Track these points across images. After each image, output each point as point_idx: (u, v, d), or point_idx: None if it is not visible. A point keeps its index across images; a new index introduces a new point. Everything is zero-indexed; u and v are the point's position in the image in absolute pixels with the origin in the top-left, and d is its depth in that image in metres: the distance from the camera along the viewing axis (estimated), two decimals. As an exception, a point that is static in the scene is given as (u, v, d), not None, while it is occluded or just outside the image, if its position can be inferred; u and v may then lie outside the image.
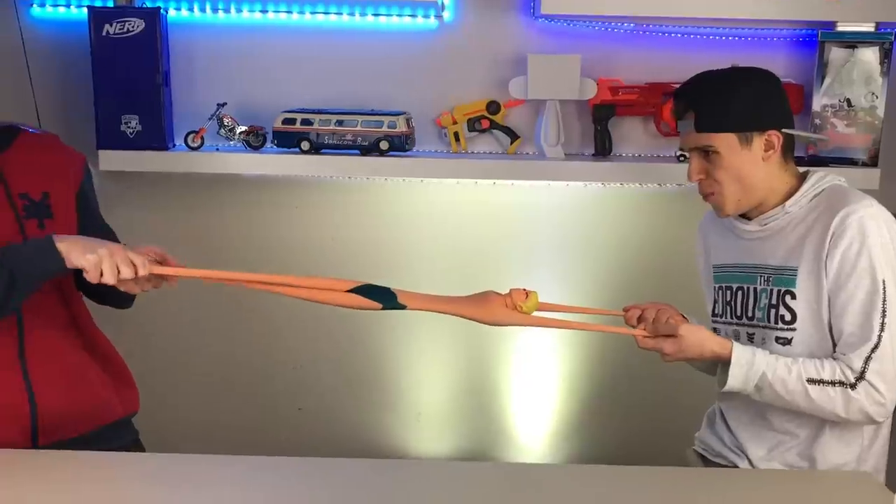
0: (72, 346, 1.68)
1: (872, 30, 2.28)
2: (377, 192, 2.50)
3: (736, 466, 1.74)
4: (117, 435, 1.73)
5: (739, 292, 1.72)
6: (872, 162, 2.33)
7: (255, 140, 2.35)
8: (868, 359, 1.54)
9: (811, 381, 1.56)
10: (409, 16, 2.39)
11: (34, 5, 2.37)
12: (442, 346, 2.60)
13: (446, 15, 2.40)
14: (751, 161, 1.64)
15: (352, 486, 1.45)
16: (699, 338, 1.61)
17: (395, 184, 2.49)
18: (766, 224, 1.68)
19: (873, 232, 1.56)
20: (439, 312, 1.60)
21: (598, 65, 2.39)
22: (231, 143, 2.36)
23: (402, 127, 2.29)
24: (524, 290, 1.56)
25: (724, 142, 1.63)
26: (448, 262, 2.52)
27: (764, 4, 2.23)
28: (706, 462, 1.83)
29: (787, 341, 1.63)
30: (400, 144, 2.29)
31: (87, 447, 1.61)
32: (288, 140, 2.30)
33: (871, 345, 1.54)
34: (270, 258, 2.48)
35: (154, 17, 2.25)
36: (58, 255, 1.48)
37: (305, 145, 2.30)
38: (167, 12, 2.32)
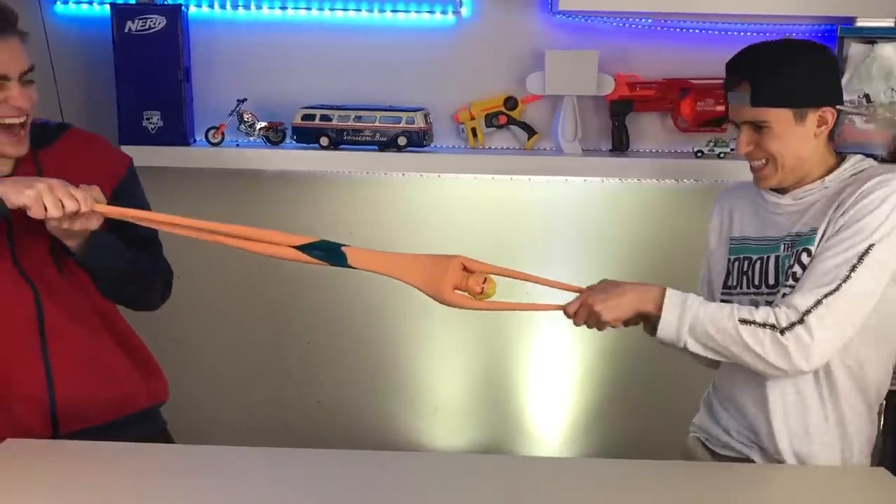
0: (95, 336, 1.69)
1: (892, 25, 2.27)
2: (395, 187, 2.52)
3: (745, 457, 1.73)
4: (142, 424, 1.74)
5: (758, 262, 1.69)
6: (892, 158, 2.32)
7: (274, 136, 2.37)
8: (819, 302, 1.52)
9: (743, 320, 1.53)
10: (427, 12, 2.41)
11: (58, 2, 2.41)
12: (459, 341, 2.62)
13: (464, 11, 2.41)
14: (803, 137, 1.62)
15: (369, 477, 1.47)
16: (615, 284, 1.61)
17: (412, 179, 2.51)
18: (801, 198, 1.66)
19: (894, 201, 1.55)
20: (381, 274, 1.58)
21: (615, 60, 2.40)
22: (251, 138, 2.39)
23: (420, 123, 2.31)
24: (483, 282, 1.53)
25: (779, 117, 1.60)
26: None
27: (782, 0, 2.22)
28: (710, 452, 1.81)
29: None
30: (418, 140, 2.31)
31: (110, 436, 1.62)
32: (307, 136, 2.33)
33: (829, 288, 1.52)
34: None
35: (175, 14, 2.27)
36: None
37: (324, 141, 2.32)
38: (188, 9, 2.35)
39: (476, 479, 1.49)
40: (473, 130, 2.44)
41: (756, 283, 1.69)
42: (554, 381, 2.64)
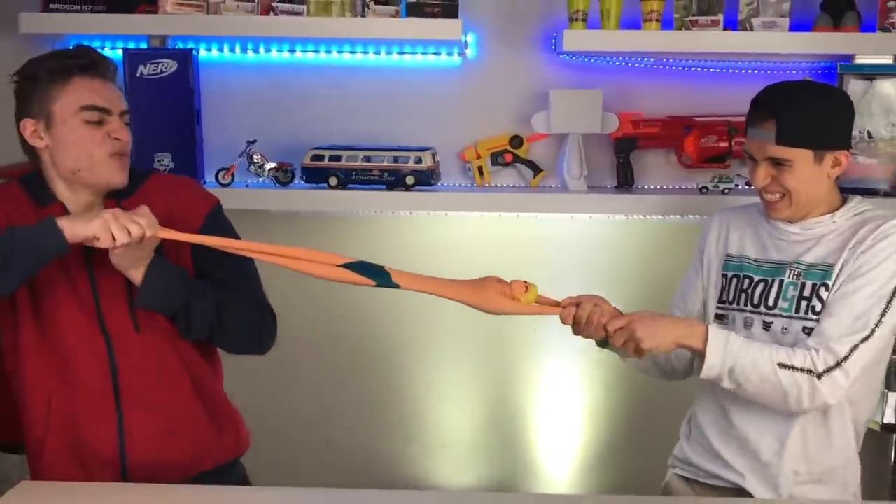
0: (174, 394, 1.69)
1: (891, 62, 2.31)
2: (402, 225, 2.54)
3: (735, 485, 1.75)
4: (218, 480, 1.72)
5: (762, 283, 1.76)
6: (894, 191, 2.35)
7: (283, 176, 2.40)
8: (856, 347, 1.61)
9: (782, 365, 1.60)
10: (434, 54, 2.45)
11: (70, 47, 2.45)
12: (466, 377, 2.62)
13: (469, 52, 2.46)
14: (818, 176, 1.70)
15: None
16: (661, 315, 1.68)
17: (420, 217, 2.53)
18: (809, 229, 1.74)
19: None
20: (432, 294, 1.65)
21: (619, 99, 2.44)
22: (260, 179, 2.42)
23: (427, 162, 2.34)
24: (525, 282, 1.61)
25: (801, 156, 1.68)
26: None
27: (782, 39, 2.26)
28: (695, 485, 1.84)
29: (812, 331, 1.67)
30: (426, 179, 2.34)
31: None
32: (316, 176, 2.36)
33: (864, 334, 1.61)
34: (299, 290, 2.51)
35: (186, 59, 2.32)
36: (57, 231, 1.51)
37: (333, 181, 2.35)
38: (198, 52, 2.39)
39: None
40: (480, 169, 2.48)
41: (755, 302, 1.76)
42: (562, 418, 2.64)
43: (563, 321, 1.70)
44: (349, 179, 2.36)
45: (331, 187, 2.37)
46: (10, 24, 2.27)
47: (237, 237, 1.76)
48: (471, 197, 2.41)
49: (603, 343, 1.76)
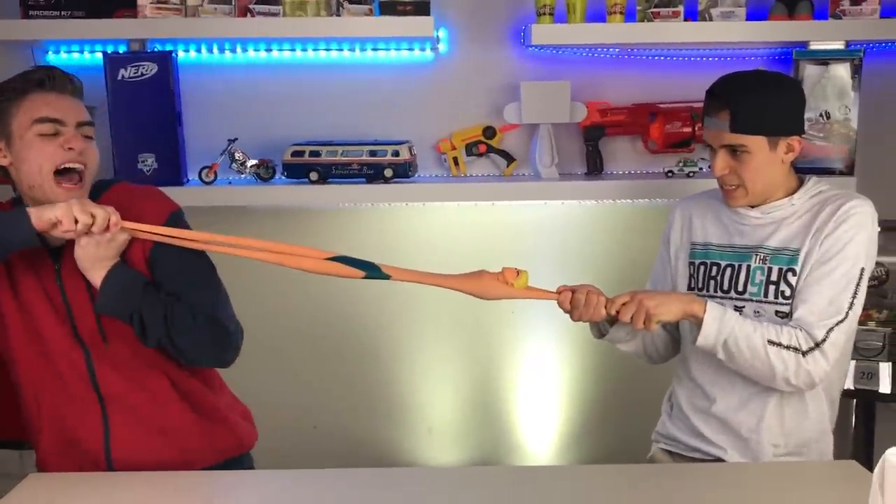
0: (157, 399, 1.72)
1: (843, 47, 2.42)
2: (382, 217, 2.62)
3: (716, 459, 1.85)
4: None
5: (728, 269, 1.84)
6: (849, 171, 2.47)
7: (265, 172, 2.47)
8: (831, 329, 1.71)
9: (771, 342, 1.70)
10: (407, 49, 2.53)
11: (49, 52, 2.50)
12: (449, 363, 2.71)
13: (441, 47, 2.53)
14: (773, 162, 1.78)
15: (365, 493, 1.56)
16: (659, 290, 1.79)
17: (398, 208, 2.61)
18: (769, 213, 1.82)
19: (868, 226, 1.75)
20: (428, 284, 1.72)
21: (586, 89, 2.53)
22: (242, 176, 2.48)
23: (405, 155, 2.42)
24: (515, 269, 1.70)
25: (756, 143, 1.76)
26: None
27: (740, 28, 2.37)
28: (678, 458, 1.93)
29: (785, 315, 1.76)
30: (403, 171, 2.42)
31: None
32: (297, 171, 2.43)
33: (839, 318, 1.71)
34: (282, 284, 2.59)
35: (166, 60, 2.37)
36: (24, 216, 1.54)
37: (314, 176, 2.42)
38: (177, 55, 2.45)
39: (471, 490, 1.59)
40: (455, 159, 2.56)
41: (725, 288, 1.85)
42: (543, 397, 2.74)
43: (561, 306, 1.76)
44: (329, 174, 2.43)
45: (311, 182, 2.44)
46: (-9, 31, 2.31)
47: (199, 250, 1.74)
48: (447, 187, 2.50)
49: (601, 332, 1.85)
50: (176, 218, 1.73)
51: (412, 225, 2.64)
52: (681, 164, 2.50)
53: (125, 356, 1.69)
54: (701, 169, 2.51)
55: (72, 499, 1.53)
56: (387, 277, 1.69)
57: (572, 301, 1.75)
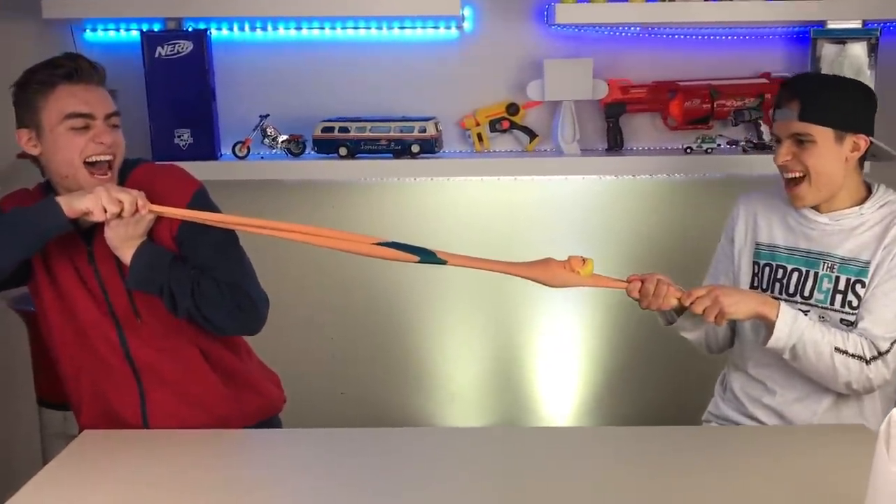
0: (187, 367, 1.80)
1: (860, 26, 2.47)
2: (408, 191, 2.71)
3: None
4: None
5: (795, 273, 1.87)
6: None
7: (295, 148, 2.56)
8: (895, 342, 1.76)
9: (837, 349, 1.75)
10: (433, 27, 2.59)
11: (87, 30, 2.58)
12: (471, 331, 2.80)
13: (466, 26, 2.60)
14: (837, 157, 1.80)
15: (393, 451, 1.65)
16: (736, 287, 1.82)
17: (424, 183, 2.69)
18: (838, 220, 1.84)
19: None
20: (489, 270, 1.75)
21: (608, 66, 2.59)
22: (274, 151, 2.57)
23: (431, 131, 2.50)
24: (581, 257, 1.73)
25: (823, 134, 1.78)
26: (475, 253, 2.67)
27: (759, 7, 2.42)
28: None
29: (851, 324, 1.81)
30: (430, 147, 2.50)
31: None
32: (327, 146, 2.51)
33: None
34: (311, 256, 2.68)
35: (201, 38, 2.45)
36: (55, 206, 1.61)
37: (343, 151, 2.51)
38: (212, 33, 2.53)
39: (492, 450, 1.68)
40: (479, 136, 2.63)
41: (791, 292, 1.88)
42: (562, 365, 2.83)
43: (630, 294, 1.78)
44: (358, 149, 2.51)
45: (341, 157, 2.52)
46: (33, 8, 2.39)
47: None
48: (471, 163, 2.57)
49: (669, 321, 1.89)
50: (200, 195, 1.79)
51: (437, 199, 2.72)
52: (699, 141, 2.56)
53: (157, 330, 1.77)
54: (719, 145, 2.57)
55: (121, 455, 1.63)
56: (443, 263, 1.71)
57: (641, 290, 1.76)
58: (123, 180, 1.76)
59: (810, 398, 1.86)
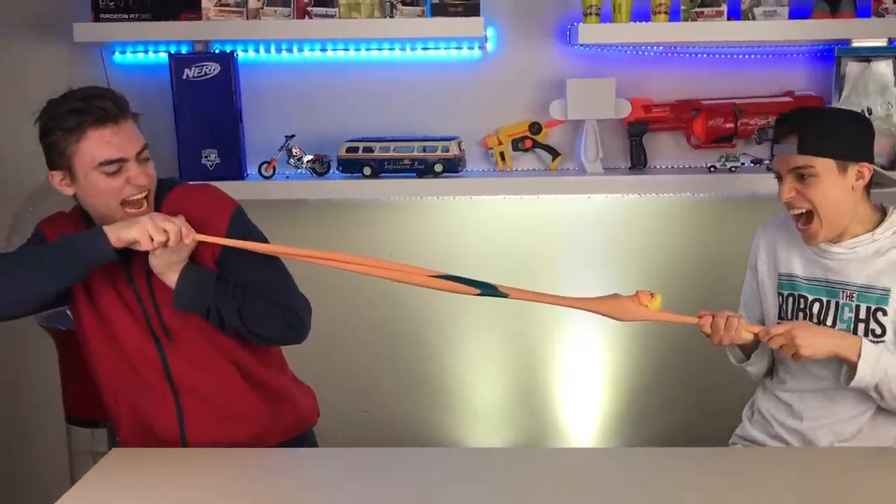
0: (225, 383, 1.82)
1: (885, 45, 2.46)
2: (432, 210, 2.72)
3: None
4: None
5: (816, 304, 1.86)
6: (891, 166, 2.50)
7: (320, 167, 2.58)
8: None
9: None
10: (456, 48, 2.61)
11: (116, 52, 2.63)
12: (494, 349, 2.80)
13: (489, 46, 2.62)
14: (842, 187, 1.78)
15: (414, 470, 1.67)
16: (818, 326, 1.80)
17: (447, 202, 2.71)
18: (853, 248, 1.83)
19: None
20: (559, 305, 1.79)
21: (630, 85, 2.59)
22: (299, 171, 2.59)
23: (454, 150, 2.51)
24: (649, 291, 1.74)
25: (824, 166, 1.77)
26: (498, 272, 2.64)
27: (782, 27, 2.42)
28: None
29: None
30: (453, 166, 2.51)
31: None
32: (352, 166, 2.53)
33: None
34: (335, 272, 2.69)
35: (228, 61, 2.49)
36: (102, 235, 1.64)
37: (367, 171, 2.53)
38: (238, 55, 2.56)
39: (515, 471, 1.69)
40: (502, 154, 2.64)
41: (814, 322, 1.87)
42: (586, 383, 2.82)
43: (701, 330, 1.78)
44: (382, 169, 2.53)
45: (365, 177, 2.54)
46: (65, 33, 2.45)
47: (262, 236, 1.85)
48: (494, 181, 2.58)
49: (742, 358, 1.89)
50: (237, 217, 1.82)
51: (461, 218, 2.73)
52: (723, 160, 2.56)
53: (195, 348, 1.80)
54: (743, 164, 2.57)
55: (151, 474, 1.65)
56: (504, 296, 1.74)
57: (712, 325, 1.76)
58: (159, 204, 1.79)
59: (837, 425, 1.84)
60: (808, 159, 1.78)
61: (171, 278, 1.73)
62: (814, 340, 1.74)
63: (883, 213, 1.85)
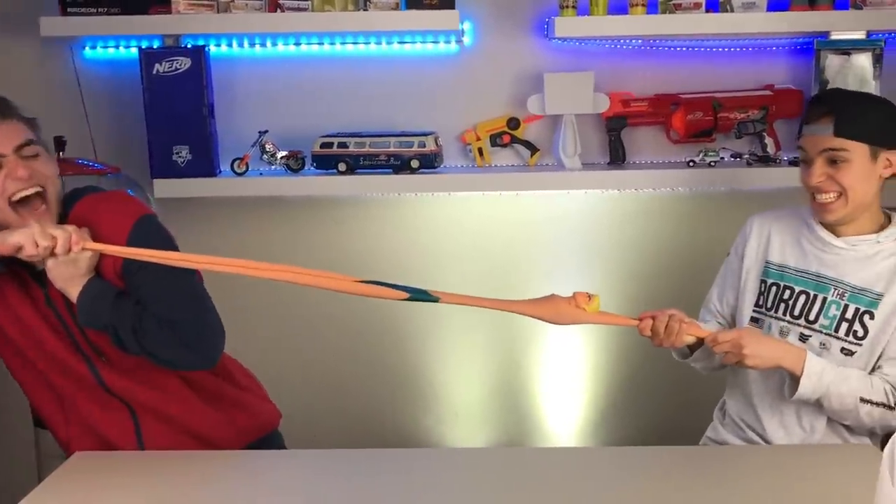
0: (174, 397, 1.76)
1: (864, 37, 2.44)
2: (409, 206, 2.68)
3: None
4: None
5: (803, 296, 1.82)
6: (870, 159, 2.49)
7: (294, 163, 2.54)
8: None
9: (863, 400, 1.71)
10: (432, 42, 2.58)
11: (85, 48, 2.58)
12: (475, 349, 2.77)
13: (466, 40, 2.58)
14: (872, 176, 1.74)
15: (396, 472, 1.62)
16: (767, 337, 1.78)
17: (424, 198, 2.67)
18: (855, 245, 1.79)
19: None
20: (494, 309, 1.72)
21: (609, 79, 2.56)
22: (273, 167, 2.55)
23: (431, 146, 2.48)
24: (587, 293, 1.68)
25: (858, 150, 1.72)
26: (477, 269, 2.69)
27: (761, 19, 2.40)
28: None
29: (850, 353, 1.77)
30: (429, 162, 2.48)
31: None
32: (326, 162, 2.49)
33: None
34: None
35: (199, 55, 2.44)
36: None
37: (342, 166, 2.49)
38: (209, 49, 2.52)
39: (495, 470, 1.66)
40: (480, 150, 2.61)
41: (795, 314, 1.84)
42: (566, 382, 2.79)
43: (642, 333, 1.75)
44: (357, 165, 2.49)
45: (340, 173, 2.50)
46: (31, 27, 2.39)
47: (173, 247, 1.71)
48: (472, 177, 2.55)
49: (685, 354, 1.86)
50: (140, 227, 1.68)
51: (438, 214, 2.69)
52: (702, 154, 2.53)
53: (130, 362, 1.70)
54: (722, 158, 2.54)
55: (114, 477, 1.61)
56: (435, 300, 1.66)
57: (653, 329, 1.73)
58: (67, 211, 1.68)
59: (800, 426, 1.83)
60: (843, 142, 1.73)
61: (73, 293, 1.62)
62: (760, 350, 1.72)
63: (888, 219, 1.82)
